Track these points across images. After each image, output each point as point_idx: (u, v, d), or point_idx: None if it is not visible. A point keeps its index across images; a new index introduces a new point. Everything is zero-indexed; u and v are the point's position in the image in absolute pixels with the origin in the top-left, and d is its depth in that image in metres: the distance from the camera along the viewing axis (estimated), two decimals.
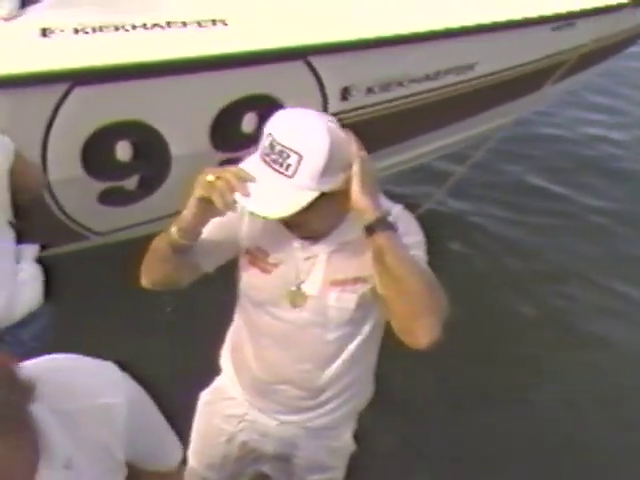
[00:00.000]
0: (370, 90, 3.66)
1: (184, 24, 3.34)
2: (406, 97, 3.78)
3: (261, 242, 2.12)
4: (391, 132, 3.89)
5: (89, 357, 1.57)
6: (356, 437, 2.46)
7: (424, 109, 3.86)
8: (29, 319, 2.47)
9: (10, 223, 2.46)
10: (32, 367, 1.42)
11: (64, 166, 3.35)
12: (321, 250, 2.09)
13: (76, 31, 3.25)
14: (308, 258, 2.10)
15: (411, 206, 2.18)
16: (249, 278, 2.16)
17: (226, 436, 2.38)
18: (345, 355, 2.21)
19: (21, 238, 2.61)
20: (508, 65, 4.04)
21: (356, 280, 2.09)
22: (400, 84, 3.70)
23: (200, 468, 2.50)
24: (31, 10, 3.36)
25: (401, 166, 4.39)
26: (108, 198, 3.54)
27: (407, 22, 3.59)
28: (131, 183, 3.52)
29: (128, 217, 3.68)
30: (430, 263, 2.06)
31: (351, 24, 3.53)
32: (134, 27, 3.31)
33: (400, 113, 3.79)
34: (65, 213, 3.53)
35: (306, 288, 2.11)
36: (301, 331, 2.16)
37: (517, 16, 3.81)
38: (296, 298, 2.12)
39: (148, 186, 3.57)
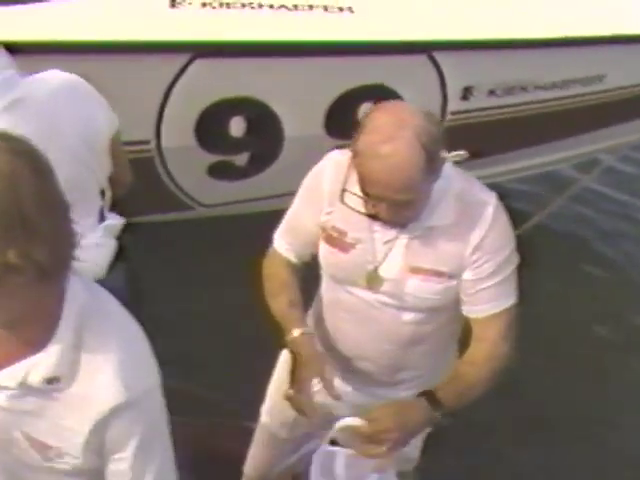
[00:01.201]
0: (492, 92, 3.56)
1: (310, 7, 3.33)
2: (529, 103, 3.66)
3: (340, 221, 2.12)
4: (509, 138, 3.77)
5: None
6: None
7: (547, 118, 3.74)
8: None
9: (101, 192, 2.46)
10: None
11: (178, 135, 3.42)
12: (402, 234, 2.07)
13: (204, 5, 3.29)
14: (387, 241, 2.08)
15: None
16: (326, 255, 2.17)
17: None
18: (421, 338, 2.19)
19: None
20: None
21: (439, 274, 2.07)
22: (524, 89, 3.59)
23: (273, 425, 2.49)
24: None
25: (516, 174, 4.27)
26: (217, 171, 3.58)
27: (537, 26, 3.49)
28: (242, 159, 3.54)
29: (235, 193, 3.71)
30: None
31: (478, 23, 3.45)
32: (260, 6, 3.31)
33: (521, 119, 3.68)
34: (174, 181, 3.59)
35: (383, 271, 2.09)
36: (377, 311, 2.15)
37: None
38: (373, 280, 2.11)
39: (258, 164, 3.58)
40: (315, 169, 2.20)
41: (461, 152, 2.15)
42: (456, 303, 2.15)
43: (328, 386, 2.07)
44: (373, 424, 2.02)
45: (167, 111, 3.32)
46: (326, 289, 2.28)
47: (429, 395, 2.05)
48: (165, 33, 3.18)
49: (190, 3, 3.28)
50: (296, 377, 2.10)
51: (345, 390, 2.27)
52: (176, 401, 1.60)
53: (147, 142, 3.42)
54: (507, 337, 2.15)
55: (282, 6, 3.33)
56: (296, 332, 2.13)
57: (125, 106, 3.17)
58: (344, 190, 2.05)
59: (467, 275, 2.08)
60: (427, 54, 3.36)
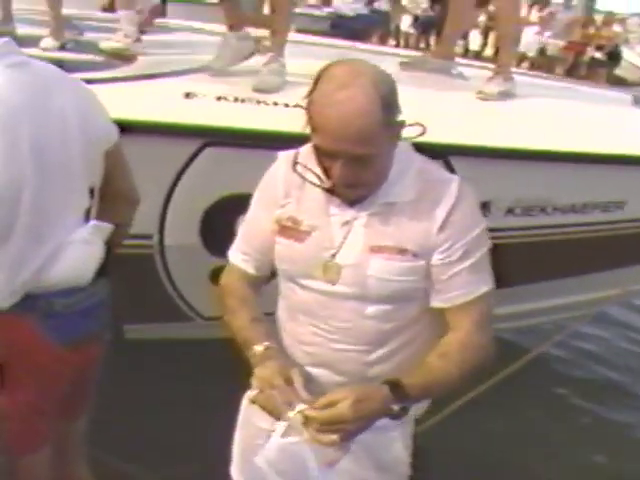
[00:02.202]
0: (510, 211, 3.47)
1: None
2: (548, 227, 3.55)
3: (295, 211, 2.01)
4: (524, 267, 3.62)
5: None
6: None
7: (565, 246, 3.61)
8: (74, 290, 2.22)
9: (90, 190, 2.30)
10: None
11: (182, 231, 3.29)
12: (360, 212, 1.94)
13: (218, 98, 3.30)
14: (345, 223, 1.95)
15: None
16: (281, 250, 2.03)
17: (264, 437, 2.00)
18: (388, 335, 1.99)
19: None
20: None
21: (403, 252, 1.92)
22: (543, 210, 3.49)
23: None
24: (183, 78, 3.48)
25: (529, 319, 4.05)
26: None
27: (563, 140, 3.46)
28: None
29: None
30: None
31: (500, 131, 3.43)
32: (276, 104, 3.32)
33: (538, 245, 3.55)
34: (173, 285, 3.42)
35: (341, 258, 1.94)
36: (336, 304, 1.97)
37: None
38: (329, 270, 1.95)
39: None
40: (268, 170, 2.14)
41: (417, 126, 2.06)
42: (423, 296, 1.98)
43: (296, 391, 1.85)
44: (329, 411, 1.79)
45: (173, 203, 3.22)
46: (282, 292, 2.12)
47: (393, 384, 1.85)
48: (177, 119, 3.14)
49: (205, 95, 3.30)
50: (258, 378, 1.90)
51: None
52: None
53: (149, 237, 3.28)
54: (483, 327, 1.98)
55: (297, 105, 3.31)
56: (259, 347, 1.95)
57: None
58: (296, 162, 1.98)
59: (436, 258, 1.94)
60: (443, 159, 3.30)
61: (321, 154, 1.88)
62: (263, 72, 3.56)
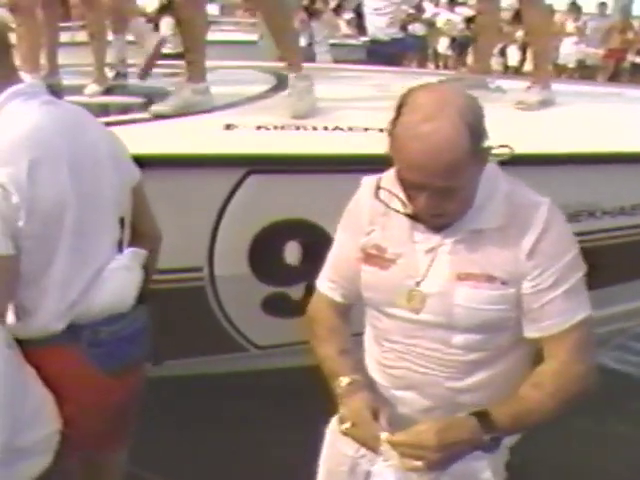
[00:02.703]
0: None
1: (365, 130, 3.34)
2: (598, 232, 3.50)
3: (380, 239, 1.98)
4: None
5: None
6: None
7: (616, 251, 3.55)
8: (117, 317, 2.26)
9: (121, 220, 2.34)
10: None
11: (231, 262, 3.29)
12: (445, 239, 1.90)
13: (258, 128, 3.33)
14: (430, 250, 1.91)
15: None
16: (366, 277, 2.01)
17: (348, 464, 2.06)
18: (477, 365, 1.94)
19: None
20: None
21: (491, 279, 1.86)
22: (592, 214, 3.45)
23: None
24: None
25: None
26: (272, 306, 3.40)
27: (607, 142, 3.44)
28: (298, 291, 3.37)
29: (292, 332, 3.48)
30: None
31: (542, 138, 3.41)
32: (315, 129, 3.35)
33: (588, 251, 3.48)
34: (226, 316, 3.41)
35: (425, 286, 1.90)
36: (421, 332, 1.94)
37: None
38: (413, 299, 1.92)
39: None
40: (353, 196, 2.11)
41: (505, 149, 1.99)
42: (515, 325, 1.92)
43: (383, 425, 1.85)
44: (414, 436, 1.79)
45: (220, 234, 3.22)
46: (368, 319, 2.09)
47: (481, 415, 1.82)
48: (220, 149, 3.18)
49: (245, 126, 3.34)
50: (347, 413, 1.90)
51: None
52: None
53: (199, 269, 3.29)
54: (581, 356, 1.91)
55: (337, 128, 3.35)
56: (345, 379, 1.95)
57: (180, 225, 3.17)
58: (378, 187, 1.94)
59: (526, 286, 1.88)
60: None
61: (405, 185, 1.85)
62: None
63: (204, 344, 3.45)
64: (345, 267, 2.08)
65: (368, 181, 2.07)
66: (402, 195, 1.88)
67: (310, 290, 3.32)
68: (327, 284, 2.15)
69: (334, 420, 2.13)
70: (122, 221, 2.33)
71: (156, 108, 3.52)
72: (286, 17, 3.83)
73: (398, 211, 1.91)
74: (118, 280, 2.23)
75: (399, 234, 1.94)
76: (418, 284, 1.91)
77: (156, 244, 2.54)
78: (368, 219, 2.01)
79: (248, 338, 3.52)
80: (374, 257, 1.98)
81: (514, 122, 3.59)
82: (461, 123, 1.75)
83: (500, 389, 1.95)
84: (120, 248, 2.32)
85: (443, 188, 1.78)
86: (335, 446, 2.12)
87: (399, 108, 1.82)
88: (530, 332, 1.93)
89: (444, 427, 1.80)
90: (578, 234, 3.34)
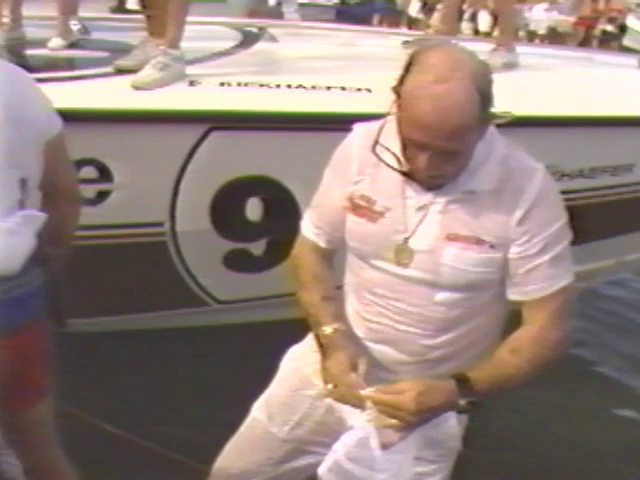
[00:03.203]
0: None
1: (328, 88, 3.36)
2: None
3: (369, 190, 1.95)
4: None
5: None
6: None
7: (574, 213, 3.59)
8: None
9: (21, 181, 2.14)
10: None
11: (193, 217, 3.33)
12: (437, 198, 1.88)
13: (222, 84, 3.33)
14: (421, 207, 1.89)
15: None
16: (352, 228, 1.99)
17: (315, 391, 2.08)
18: (455, 322, 1.95)
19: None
20: None
21: (480, 242, 1.87)
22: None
23: (270, 421, 2.20)
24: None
25: None
26: (234, 261, 3.43)
27: (568, 105, 3.48)
28: (259, 247, 3.41)
29: (252, 287, 3.53)
30: None
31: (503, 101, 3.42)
32: (278, 86, 3.35)
33: None
34: (188, 271, 3.45)
35: (414, 243, 1.90)
36: (406, 287, 1.93)
37: None
38: (401, 254, 1.90)
39: (276, 253, 3.39)
40: (343, 142, 2.06)
41: (507, 112, 2.02)
42: (497, 285, 1.93)
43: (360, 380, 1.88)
44: (394, 398, 1.82)
45: (182, 189, 3.25)
46: (350, 269, 2.08)
47: (460, 380, 1.85)
48: (182, 105, 3.19)
49: (208, 82, 3.34)
50: (330, 372, 1.91)
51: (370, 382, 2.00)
52: None
53: (161, 224, 3.32)
54: (558, 321, 1.93)
55: (300, 86, 3.36)
56: (328, 329, 1.96)
57: (142, 181, 3.19)
58: (376, 142, 1.90)
59: (514, 251, 1.88)
60: None
61: (408, 143, 1.82)
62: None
63: (166, 298, 3.49)
64: (330, 214, 2.06)
65: (360, 129, 2.04)
66: (398, 152, 1.88)
67: (272, 246, 3.41)
68: (312, 229, 2.12)
69: (299, 345, 2.20)
70: (24, 182, 2.17)
71: (120, 62, 3.50)
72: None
73: (394, 168, 1.90)
74: (1, 244, 2.11)
75: (390, 187, 1.93)
76: (407, 240, 1.91)
77: (76, 205, 2.38)
78: (357, 168, 1.98)
79: (209, 293, 3.56)
80: (362, 208, 1.96)
81: None
82: (473, 87, 1.74)
83: (472, 345, 1.99)
84: (21, 210, 2.15)
85: (447, 150, 1.78)
86: (302, 371, 2.13)
87: (408, 66, 1.80)
88: (513, 295, 1.95)
89: (424, 391, 1.83)
90: None
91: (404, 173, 1.88)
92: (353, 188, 1.97)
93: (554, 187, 1.95)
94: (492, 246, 1.87)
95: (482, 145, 1.85)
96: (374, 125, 1.96)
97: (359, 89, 3.33)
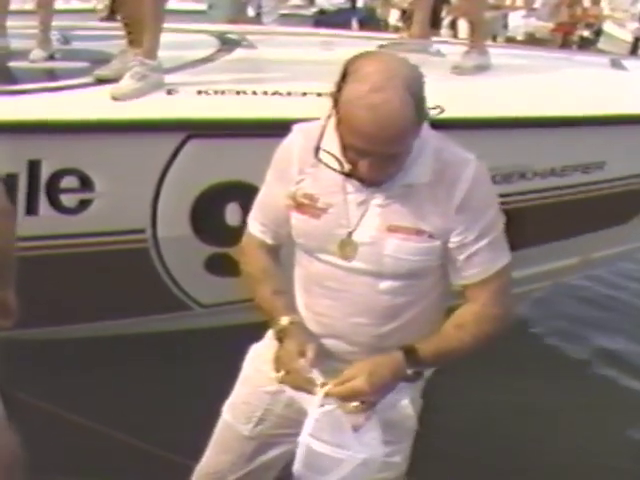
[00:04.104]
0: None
1: (304, 94, 3.42)
2: (528, 194, 3.64)
3: (311, 188, 2.04)
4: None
5: None
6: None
7: (546, 211, 3.70)
8: None
9: None
10: None
11: (174, 223, 3.39)
12: (377, 193, 1.98)
13: (199, 92, 3.40)
14: (362, 202, 1.99)
15: None
16: (297, 224, 2.07)
17: (274, 387, 2.15)
18: (400, 309, 2.05)
19: None
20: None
21: (420, 232, 1.96)
22: (523, 176, 3.58)
23: (235, 421, 2.28)
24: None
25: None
26: (215, 266, 3.49)
27: (540, 105, 3.56)
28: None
29: (235, 291, 3.57)
30: None
31: (474, 103, 3.53)
32: (255, 93, 3.42)
33: (519, 211, 3.60)
34: (170, 276, 3.51)
35: (357, 236, 1.99)
36: (351, 278, 2.03)
37: None
38: (345, 247, 2.00)
39: None
40: (283, 143, 2.15)
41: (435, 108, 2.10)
42: (437, 272, 2.04)
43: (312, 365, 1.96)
44: (347, 387, 1.93)
45: (163, 196, 3.32)
46: (298, 264, 2.17)
47: (407, 350, 1.97)
48: (160, 114, 3.26)
49: (186, 91, 3.41)
50: (280, 360, 2.01)
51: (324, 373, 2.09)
52: None
53: (143, 231, 3.39)
54: (500, 300, 2.05)
55: (276, 92, 3.43)
56: (284, 320, 2.04)
57: (123, 189, 3.25)
58: (318, 148, 1.98)
59: (453, 239, 1.99)
60: None
61: (350, 150, 1.90)
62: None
63: (150, 304, 3.55)
64: (274, 212, 2.14)
65: (300, 129, 2.13)
66: (339, 153, 1.95)
67: None
68: (258, 227, 2.20)
69: (260, 344, 2.27)
70: None
71: (99, 72, 3.56)
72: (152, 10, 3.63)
73: (335, 170, 1.97)
74: None
75: (331, 185, 2.01)
76: (350, 234, 1.99)
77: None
78: (298, 168, 2.06)
79: (192, 297, 3.63)
80: (305, 206, 2.04)
81: (449, 87, 3.70)
82: (407, 94, 1.83)
83: (419, 328, 2.07)
84: None
85: (387, 155, 1.88)
86: (261, 369, 2.20)
87: (344, 76, 1.88)
88: (455, 279, 2.06)
89: (373, 370, 1.94)
90: (510, 195, 3.55)
91: (347, 174, 1.96)
92: (295, 187, 2.06)
93: (486, 176, 2.04)
94: (431, 235, 1.97)
95: (417, 141, 1.94)
96: (314, 125, 2.05)
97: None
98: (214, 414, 2.35)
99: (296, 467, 2.01)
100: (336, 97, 1.89)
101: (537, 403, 3.94)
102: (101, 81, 3.51)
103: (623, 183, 3.79)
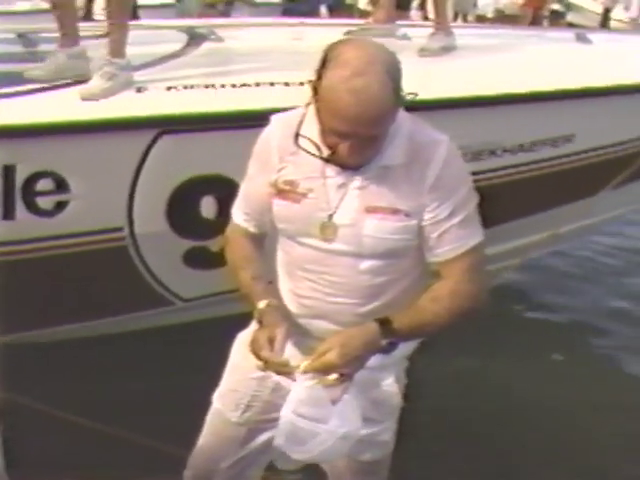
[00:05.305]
0: None
1: (272, 84, 3.46)
2: (498, 170, 3.69)
3: (292, 174, 2.10)
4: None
5: None
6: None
7: (518, 186, 3.76)
8: None
9: None
10: None
11: (150, 219, 3.42)
12: (355, 176, 2.05)
13: (168, 88, 3.42)
14: (341, 185, 2.06)
15: None
16: (279, 210, 2.13)
17: (260, 373, 2.20)
18: (381, 288, 2.12)
19: None
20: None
21: (396, 212, 2.04)
22: (493, 153, 3.62)
23: (225, 408, 2.34)
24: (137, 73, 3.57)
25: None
26: (193, 259, 3.54)
27: (507, 82, 3.61)
28: (216, 244, 3.49)
29: (215, 283, 3.60)
30: None
31: (442, 84, 3.57)
32: (223, 86, 3.45)
33: (490, 190, 3.66)
34: (150, 272, 3.54)
35: (338, 218, 2.06)
36: (332, 260, 2.09)
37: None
38: (326, 230, 2.07)
39: None
40: (262, 134, 2.20)
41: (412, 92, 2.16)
42: (415, 251, 2.10)
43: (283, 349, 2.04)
44: (319, 362, 1.98)
45: (138, 194, 3.34)
46: (281, 250, 2.24)
47: (382, 321, 2.02)
48: (131, 112, 3.28)
49: (156, 87, 3.43)
50: (254, 349, 2.06)
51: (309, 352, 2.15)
52: None
53: (120, 229, 3.42)
54: (474, 276, 2.11)
55: (244, 84, 3.46)
56: (262, 304, 2.10)
57: (98, 188, 3.27)
58: (297, 134, 2.06)
59: (427, 217, 2.05)
60: None
61: (331, 133, 1.97)
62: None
63: (131, 301, 3.58)
64: (257, 202, 2.20)
65: (277, 120, 2.19)
66: (317, 139, 2.02)
67: None
68: (242, 216, 2.26)
69: (246, 332, 2.29)
70: None
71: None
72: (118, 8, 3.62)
73: (315, 155, 2.04)
74: None
75: (311, 170, 2.07)
76: (331, 217, 2.06)
77: None
78: (278, 157, 2.12)
79: (173, 292, 3.66)
80: (286, 192, 2.10)
81: (419, 69, 3.71)
82: (387, 78, 1.91)
83: (401, 307, 2.11)
84: None
85: (368, 137, 1.95)
86: (247, 357, 2.20)
87: (324, 62, 1.95)
88: (430, 257, 2.12)
89: (345, 342, 1.99)
90: (481, 172, 3.60)
91: (326, 159, 2.03)
92: (277, 175, 2.12)
93: (458, 156, 2.12)
94: (407, 214, 2.04)
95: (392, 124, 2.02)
96: (291, 114, 2.14)
97: (302, 83, 3.41)
98: (207, 406, 2.41)
99: (277, 441, 2.07)
100: (316, 84, 1.97)
101: (521, 375, 4.02)
102: (76, 82, 3.47)
103: (592, 155, 3.85)
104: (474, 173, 3.54)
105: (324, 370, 1.98)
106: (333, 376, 1.98)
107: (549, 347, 4.39)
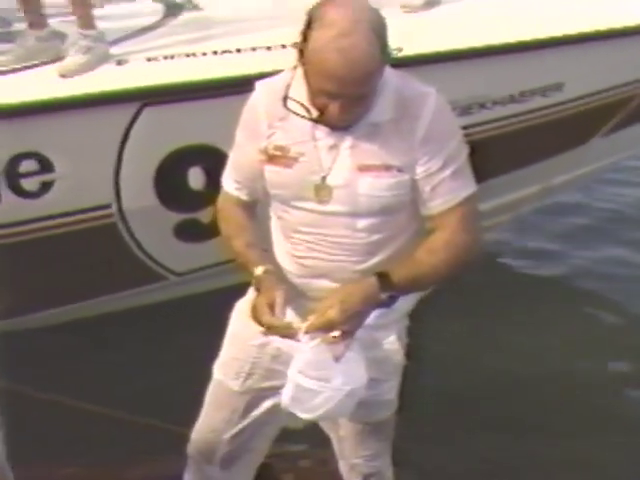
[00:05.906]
0: None
1: (253, 49, 3.40)
2: (489, 123, 3.64)
3: (281, 140, 2.07)
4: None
5: None
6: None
7: (510, 140, 3.71)
8: None
9: None
10: None
11: (138, 194, 3.38)
12: (346, 135, 2.01)
13: (149, 59, 3.36)
14: (332, 146, 2.02)
15: None
16: (271, 176, 2.09)
17: (260, 340, 2.20)
18: (378, 245, 2.10)
19: None
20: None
21: (388, 168, 2.01)
22: (483, 106, 3.57)
23: (226, 377, 2.33)
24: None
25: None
26: (184, 232, 3.50)
27: (492, 34, 3.54)
28: (206, 215, 3.44)
29: (207, 255, 3.56)
30: None
31: (426, 39, 3.50)
32: (204, 54, 3.39)
33: (482, 144, 3.60)
34: (141, 248, 3.50)
35: (331, 180, 2.03)
36: (329, 221, 2.07)
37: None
38: (320, 192, 2.04)
39: None
40: (248, 101, 2.15)
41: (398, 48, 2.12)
42: (410, 206, 2.08)
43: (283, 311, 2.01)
44: (320, 320, 1.96)
45: (124, 168, 3.29)
46: (275, 215, 2.20)
47: (381, 275, 2.00)
48: (112, 86, 3.21)
49: (136, 59, 3.37)
50: (255, 314, 2.03)
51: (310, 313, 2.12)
52: None
53: (108, 206, 3.37)
54: (468, 227, 2.09)
55: (226, 51, 3.40)
56: (258, 270, 2.07)
57: (83, 166, 3.22)
58: (286, 97, 2.01)
59: (419, 171, 2.02)
60: None
61: (320, 94, 1.93)
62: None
63: (125, 279, 3.56)
64: (248, 170, 2.16)
65: (263, 86, 2.14)
66: (305, 101, 1.98)
67: None
68: (232, 184, 2.23)
69: (244, 300, 2.27)
70: None
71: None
72: None
73: (304, 117, 2.00)
74: None
75: (301, 134, 2.04)
76: (324, 179, 2.03)
77: None
78: (267, 123, 2.08)
79: (166, 266, 3.62)
80: (277, 157, 2.07)
81: (402, 24, 3.64)
82: (373, 36, 1.87)
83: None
84: None
85: (357, 95, 1.92)
86: (248, 324, 2.17)
87: (309, 23, 1.91)
88: (424, 210, 2.10)
89: (344, 298, 1.97)
90: (472, 126, 3.54)
91: (315, 120, 1.99)
92: (267, 142, 2.08)
93: (447, 108, 2.08)
94: (399, 170, 2.01)
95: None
96: (277, 79, 2.10)
97: (284, 46, 3.35)
98: (207, 382, 2.38)
99: (284, 402, 2.05)
100: (302, 46, 1.92)
101: (523, 340, 3.99)
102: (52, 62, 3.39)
103: (582, 102, 3.79)
104: (465, 127, 3.54)
105: (326, 328, 1.96)
106: (335, 333, 1.96)
107: (553, 310, 4.28)
